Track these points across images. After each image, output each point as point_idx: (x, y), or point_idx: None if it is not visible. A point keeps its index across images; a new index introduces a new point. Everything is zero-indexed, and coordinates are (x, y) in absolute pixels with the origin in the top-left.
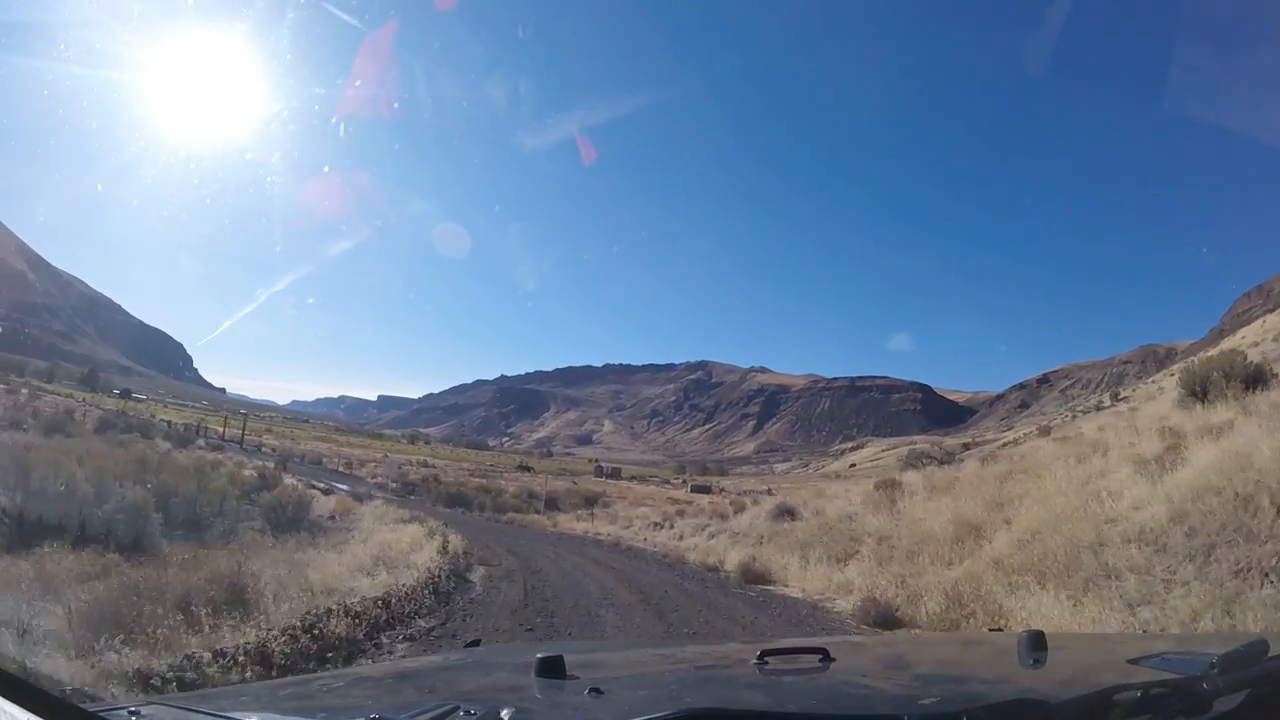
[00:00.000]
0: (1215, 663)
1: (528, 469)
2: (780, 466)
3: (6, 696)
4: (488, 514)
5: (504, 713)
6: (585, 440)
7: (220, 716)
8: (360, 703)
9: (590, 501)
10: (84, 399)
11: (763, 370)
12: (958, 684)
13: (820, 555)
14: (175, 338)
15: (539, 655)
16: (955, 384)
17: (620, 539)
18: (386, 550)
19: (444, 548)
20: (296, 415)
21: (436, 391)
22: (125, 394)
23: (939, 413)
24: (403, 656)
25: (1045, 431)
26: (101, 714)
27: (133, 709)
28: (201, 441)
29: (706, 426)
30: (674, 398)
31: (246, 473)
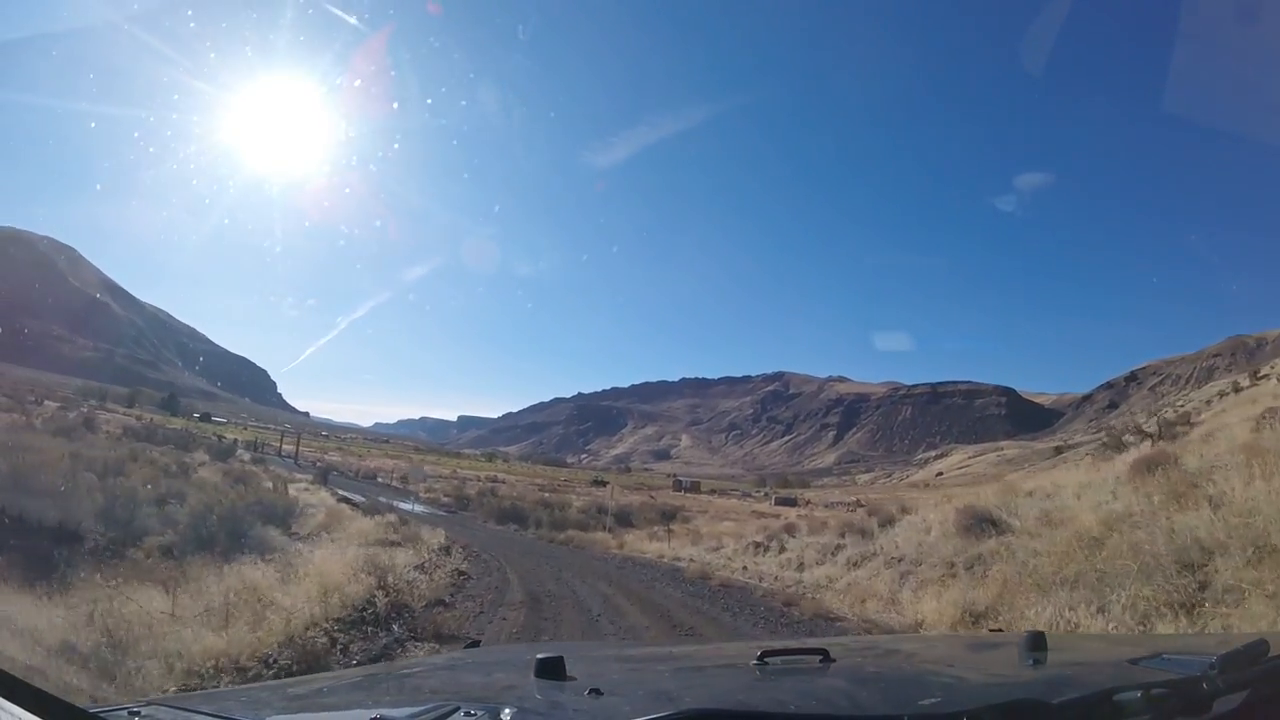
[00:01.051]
0: (1215, 663)
1: (602, 483)
2: (863, 477)
3: (6, 696)
4: (542, 531)
5: (504, 713)
6: (663, 455)
7: (220, 717)
8: (360, 703)
9: (667, 516)
10: (149, 418)
11: (841, 379)
12: (958, 684)
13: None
14: (260, 365)
15: (539, 655)
16: (1039, 386)
17: (709, 567)
18: (324, 583)
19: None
20: (378, 436)
21: (515, 410)
22: (205, 417)
23: (1024, 417)
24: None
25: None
26: (101, 714)
27: (133, 709)
28: (246, 455)
29: (785, 438)
30: (751, 410)
31: (266, 484)
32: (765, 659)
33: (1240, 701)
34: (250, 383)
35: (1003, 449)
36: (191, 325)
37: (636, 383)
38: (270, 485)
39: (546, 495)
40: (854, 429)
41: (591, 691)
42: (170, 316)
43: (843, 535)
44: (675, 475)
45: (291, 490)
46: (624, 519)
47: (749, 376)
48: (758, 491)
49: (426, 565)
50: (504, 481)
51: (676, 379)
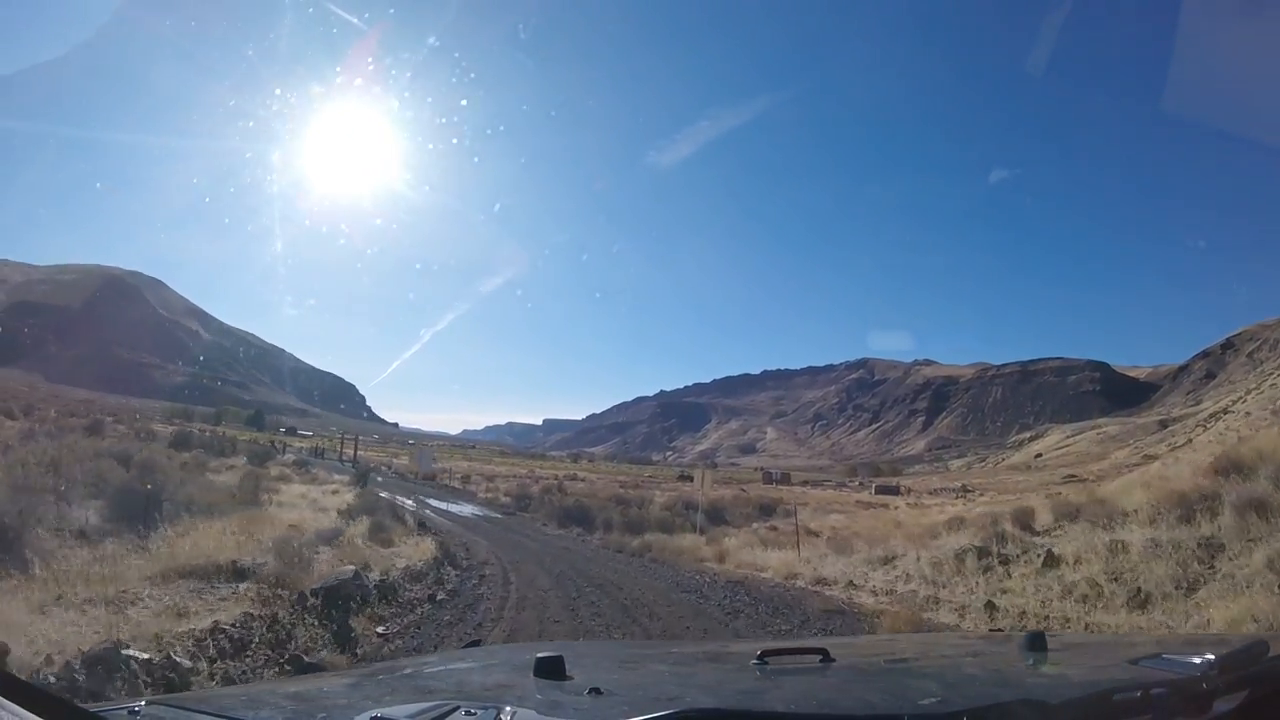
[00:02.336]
0: (1215, 663)
1: (688, 478)
2: (955, 463)
3: (6, 696)
4: (612, 536)
5: (504, 712)
6: (748, 450)
7: (220, 716)
8: (360, 703)
9: (766, 510)
10: (219, 431)
11: (927, 363)
12: (958, 684)
13: None
14: (348, 380)
15: (539, 655)
16: (1132, 359)
17: (897, 595)
18: None
19: None
20: (464, 443)
21: (599, 411)
22: (290, 430)
23: (1120, 391)
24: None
25: None
26: (101, 714)
27: (132, 709)
28: (290, 457)
29: (873, 426)
30: (836, 399)
31: (297, 487)
32: (765, 658)
33: (1240, 701)
34: (340, 397)
35: (1102, 426)
36: (280, 346)
37: (718, 377)
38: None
39: (624, 491)
40: (943, 413)
41: (591, 691)
42: (259, 339)
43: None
44: (763, 468)
45: (290, 488)
46: (716, 516)
47: (832, 365)
48: (850, 481)
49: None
50: (581, 479)
51: (758, 371)
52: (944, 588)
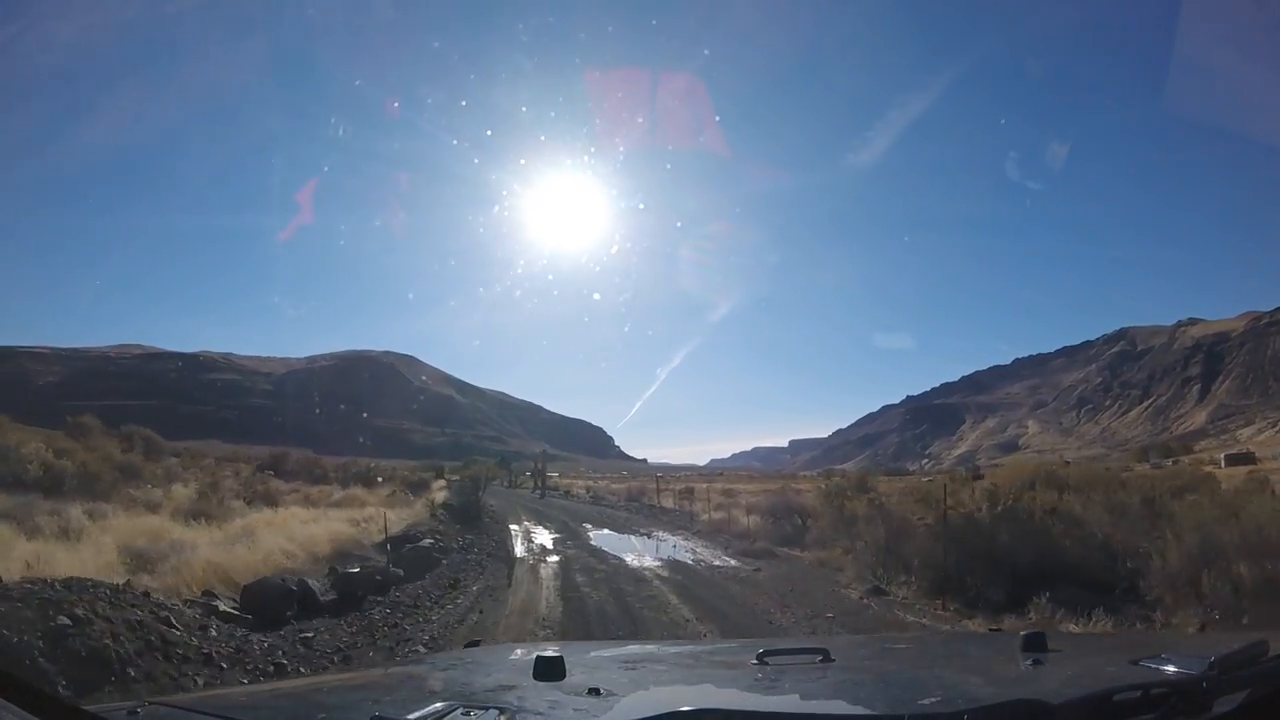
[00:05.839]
0: (1215, 663)
1: (979, 478)
2: (1244, 432)
3: (6, 696)
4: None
5: (503, 713)
6: (1010, 447)
7: (220, 716)
8: (360, 703)
9: None
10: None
11: (1191, 322)
12: (958, 684)
13: None
14: (595, 424)
15: (538, 655)
16: None
17: None
18: None
19: None
20: (712, 471)
21: (845, 426)
22: (535, 472)
23: None
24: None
25: None
26: (101, 714)
27: (132, 709)
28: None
29: (1144, 404)
30: (1099, 379)
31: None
32: (765, 658)
33: (1240, 701)
34: (589, 441)
35: None
36: (530, 400)
37: (966, 374)
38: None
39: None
40: (1220, 376)
41: (590, 691)
42: (510, 396)
43: None
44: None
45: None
46: None
47: (1089, 342)
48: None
49: None
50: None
51: (1009, 361)
52: None
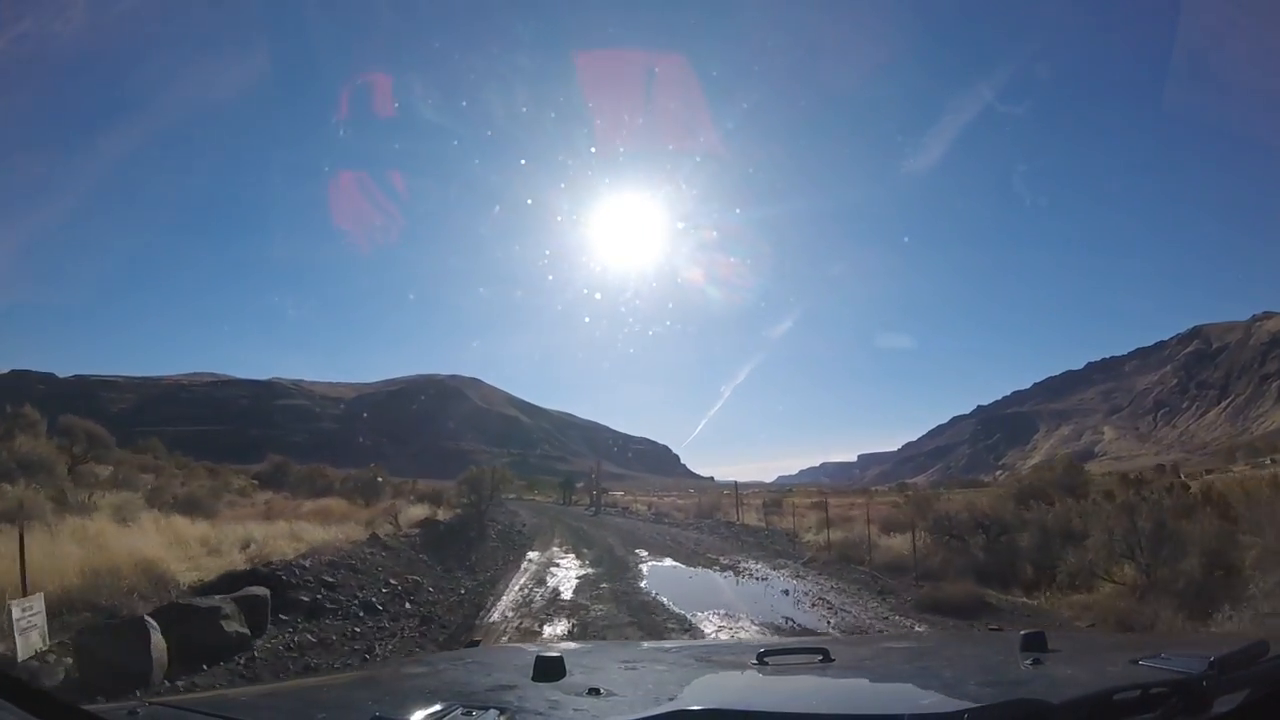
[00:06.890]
0: (1215, 663)
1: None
2: None
3: (6, 696)
4: None
5: (503, 713)
6: (1086, 455)
7: (220, 717)
8: (360, 703)
9: None
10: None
11: (1267, 315)
12: (958, 684)
13: None
14: (661, 442)
15: (538, 655)
16: None
17: None
18: None
19: None
20: (780, 488)
21: (915, 439)
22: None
23: None
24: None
25: None
26: (101, 714)
27: (132, 709)
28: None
29: (1223, 404)
30: (1175, 381)
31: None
32: (765, 658)
33: (1240, 701)
34: (654, 459)
35: None
36: (597, 420)
37: (1038, 380)
38: None
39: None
40: None
41: (590, 691)
42: (576, 417)
43: None
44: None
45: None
46: None
47: (1162, 342)
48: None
49: None
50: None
51: (1081, 365)
52: None
